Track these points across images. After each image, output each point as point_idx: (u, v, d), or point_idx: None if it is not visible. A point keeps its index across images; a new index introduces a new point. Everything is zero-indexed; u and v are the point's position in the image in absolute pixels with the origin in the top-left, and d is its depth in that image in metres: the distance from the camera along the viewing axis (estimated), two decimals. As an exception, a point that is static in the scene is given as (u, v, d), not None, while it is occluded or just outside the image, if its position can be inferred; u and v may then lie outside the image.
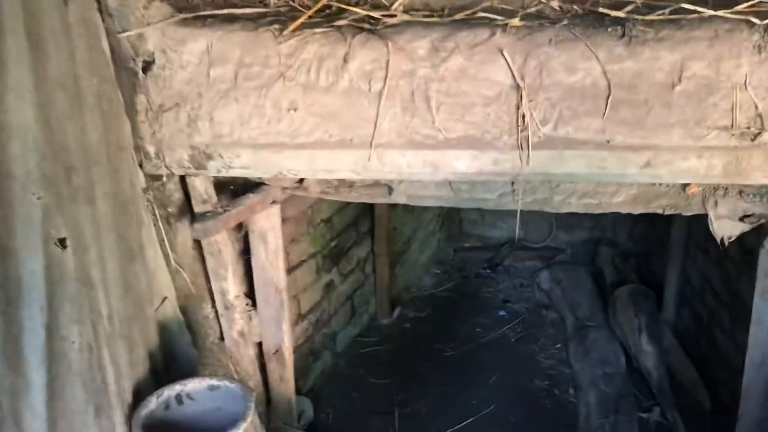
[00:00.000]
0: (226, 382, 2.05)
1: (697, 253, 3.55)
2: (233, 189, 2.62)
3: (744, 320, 2.90)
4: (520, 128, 1.92)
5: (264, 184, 2.62)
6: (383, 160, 2.06)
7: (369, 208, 4.09)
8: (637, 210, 2.24)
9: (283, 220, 2.73)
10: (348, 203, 3.80)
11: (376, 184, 2.55)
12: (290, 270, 3.19)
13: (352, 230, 3.95)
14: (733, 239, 2.15)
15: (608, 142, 1.87)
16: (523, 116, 1.90)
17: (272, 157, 2.15)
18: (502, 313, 4.53)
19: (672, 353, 3.61)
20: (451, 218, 5.66)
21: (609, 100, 1.82)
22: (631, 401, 3.36)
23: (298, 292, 3.35)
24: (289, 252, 3.17)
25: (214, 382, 2.05)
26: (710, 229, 2.15)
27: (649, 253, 4.71)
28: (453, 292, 4.87)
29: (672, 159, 1.83)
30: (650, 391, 3.46)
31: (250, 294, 2.81)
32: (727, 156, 1.81)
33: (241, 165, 2.20)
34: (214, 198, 2.42)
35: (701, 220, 3.46)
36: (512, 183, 2.34)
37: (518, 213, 2.25)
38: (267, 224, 2.64)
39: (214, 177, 2.39)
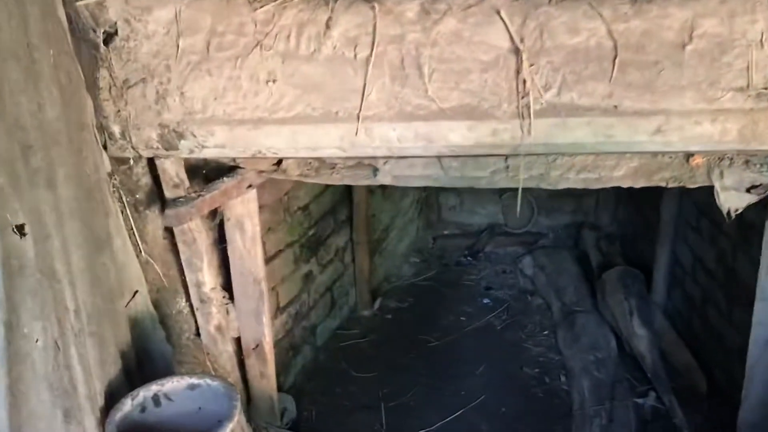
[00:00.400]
0: (207, 380, 1.92)
1: (688, 231, 3.51)
2: (206, 174, 2.48)
3: (742, 299, 2.87)
4: (520, 95, 1.82)
5: (239, 167, 2.49)
6: (372, 134, 1.95)
7: (347, 195, 3.99)
8: (639, 183, 2.16)
9: (259, 208, 2.60)
10: (325, 189, 3.69)
11: (360, 164, 2.44)
12: (267, 260, 3.06)
13: (330, 218, 3.83)
14: (739, 212, 2.09)
15: (615, 107, 1.78)
16: (524, 82, 1.80)
17: (249, 134, 2.02)
18: (485, 300, 4.47)
19: (664, 336, 3.58)
20: (429, 205, 5.59)
21: (616, 63, 1.74)
22: (626, 387, 3.31)
23: (276, 284, 3.23)
24: (266, 242, 3.05)
25: (194, 380, 1.92)
26: (716, 201, 2.09)
27: (634, 236, 4.68)
28: (434, 281, 4.80)
29: (684, 124, 1.75)
30: (644, 375, 3.41)
31: (227, 286, 2.68)
32: (742, 119, 1.73)
33: (215, 144, 2.07)
34: (187, 182, 2.28)
35: (693, 195, 3.43)
36: (506, 158, 2.25)
37: (519, 192, 2.14)
38: (243, 210, 2.51)
39: (186, 159, 2.25)
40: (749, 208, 2.58)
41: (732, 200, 2.07)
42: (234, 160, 2.42)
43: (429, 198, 5.55)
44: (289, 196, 3.30)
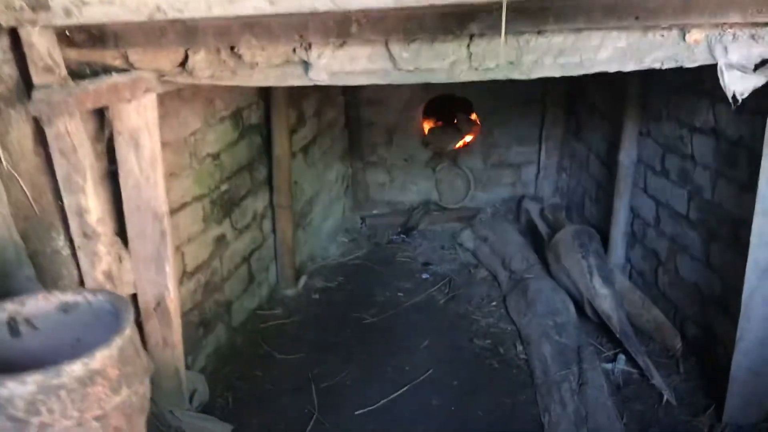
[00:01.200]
0: (86, 296, 1.43)
1: (650, 177, 3.31)
2: (91, 73, 2.02)
3: (723, 233, 2.64)
4: None
5: (133, 68, 2.06)
6: (310, -24, 1.56)
7: (266, 149, 3.57)
8: (629, 66, 1.89)
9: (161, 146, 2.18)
10: (240, 138, 3.28)
11: (287, 62, 2.06)
12: (171, 213, 2.62)
13: (246, 174, 3.40)
14: (745, 96, 1.83)
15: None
16: None
17: (146, -18, 1.59)
18: (425, 275, 4.16)
19: (627, 296, 3.33)
20: (356, 183, 5.25)
21: None
22: (591, 351, 3.03)
23: (182, 243, 2.78)
24: (169, 189, 2.60)
25: (68, 297, 1.42)
26: (720, 82, 1.82)
27: (578, 203, 4.49)
28: (365, 260, 4.45)
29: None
30: (609, 340, 3.18)
31: (120, 232, 2.22)
32: None
33: (100, 1, 1.61)
34: (63, 68, 1.81)
35: (654, 135, 3.23)
36: (468, 44, 1.92)
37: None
38: (139, 121, 2.06)
39: (61, 35, 1.78)
40: (732, 124, 2.37)
41: (737, 82, 1.82)
42: (127, 59, 1.99)
43: (356, 175, 5.22)
44: (196, 138, 2.87)
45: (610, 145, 3.75)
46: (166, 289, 2.27)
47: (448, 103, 5.09)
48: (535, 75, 1.94)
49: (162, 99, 2.48)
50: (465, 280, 4.05)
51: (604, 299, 3.19)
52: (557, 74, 1.93)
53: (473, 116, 5.15)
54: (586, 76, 1.97)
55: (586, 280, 3.30)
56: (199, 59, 2.04)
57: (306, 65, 2.03)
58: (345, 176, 5.13)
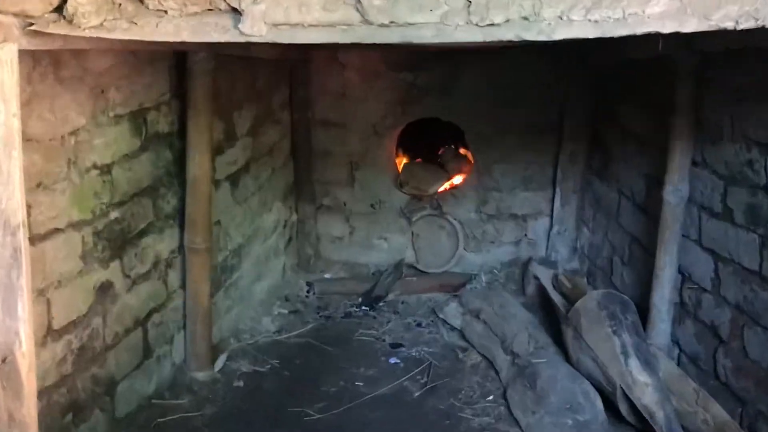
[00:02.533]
0: None
1: (705, 221, 3.34)
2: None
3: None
4: None
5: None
6: None
7: (178, 169, 3.48)
8: (689, 26, 1.83)
9: (24, 142, 2.06)
10: (142, 147, 3.20)
11: (210, 9, 1.98)
12: (34, 240, 2.52)
13: (148, 201, 3.31)
14: None
15: None
16: None
17: None
18: (394, 360, 4.12)
19: (675, 386, 3.28)
20: (303, 233, 5.24)
21: None
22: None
23: (48, 287, 2.66)
24: (32, 205, 2.48)
25: None
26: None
27: (605, 267, 4.52)
28: (312, 338, 4.42)
29: None
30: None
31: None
32: None
33: None
34: None
35: (709, 164, 3.19)
36: (466, -8, 1.85)
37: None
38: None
39: None
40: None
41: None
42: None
43: (303, 222, 5.21)
44: (78, 138, 2.77)
45: (650, 182, 3.77)
46: (17, 338, 2.08)
47: (430, 130, 5.08)
48: (558, 35, 1.87)
49: (29, 73, 2.38)
50: (450, 367, 4.02)
51: (644, 390, 3.15)
52: (590, 35, 1.86)
53: (463, 150, 5.13)
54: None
55: (620, 363, 3.28)
56: (83, 1, 1.93)
57: (236, 13, 1.94)
58: (288, 223, 5.11)
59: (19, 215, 2.04)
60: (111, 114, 2.97)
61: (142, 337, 3.35)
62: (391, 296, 4.87)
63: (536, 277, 4.64)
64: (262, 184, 4.57)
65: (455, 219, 5.10)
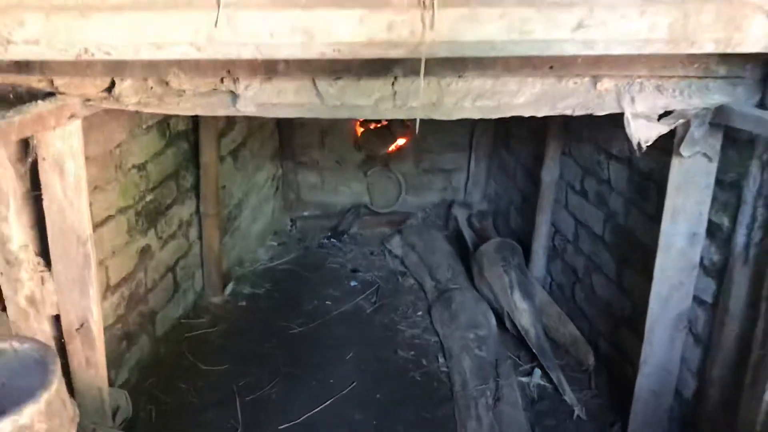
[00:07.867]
0: (13, 344, 1.52)
1: (571, 195, 3.53)
2: (14, 100, 2.08)
3: (634, 259, 2.88)
4: (422, -24, 1.61)
5: (59, 93, 2.12)
6: (236, 26, 1.66)
7: (193, 157, 3.64)
8: (542, 111, 2.07)
9: (85, 161, 2.24)
10: (166, 147, 3.34)
11: (215, 91, 2.17)
12: (95, 227, 2.68)
13: (172, 183, 3.46)
14: (649, 143, 2.04)
15: (533, -6, 1.62)
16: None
17: (73, 25, 1.66)
18: (353, 283, 4.30)
19: (546, 309, 3.56)
20: (287, 183, 5.34)
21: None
22: (509, 365, 3.25)
23: (106, 257, 2.83)
24: (93, 203, 2.66)
25: None
26: (626, 131, 2.03)
27: (507, 212, 4.71)
28: (294, 265, 4.56)
29: (609, 19, 1.63)
30: (527, 353, 3.39)
31: (43, 252, 2.27)
32: (674, 12, 1.63)
33: (25, 39, 1.68)
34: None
35: (575, 156, 3.45)
36: (393, 83, 2.07)
37: (417, 123, 1.95)
38: (64, 147, 2.13)
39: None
40: (643, 158, 2.59)
41: (642, 130, 2.02)
42: (52, 82, 2.04)
43: (287, 175, 5.31)
44: (122, 149, 2.92)
45: (536, 160, 3.94)
46: (90, 311, 2.35)
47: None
48: (455, 116, 2.09)
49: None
50: (393, 289, 4.21)
51: (522, 314, 3.41)
52: (476, 116, 2.09)
53: (407, 121, 5.26)
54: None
55: (507, 294, 3.51)
56: (125, 86, 2.11)
57: (234, 96, 2.13)
58: (275, 177, 5.21)
59: (87, 232, 2.28)
60: (144, 126, 3.09)
61: (172, 279, 3.53)
62: (352, 230, 5.03)
63: (455, 217, 4.83)
64: (255, 152, 4.66)
65: (399, 172, 5.26)
